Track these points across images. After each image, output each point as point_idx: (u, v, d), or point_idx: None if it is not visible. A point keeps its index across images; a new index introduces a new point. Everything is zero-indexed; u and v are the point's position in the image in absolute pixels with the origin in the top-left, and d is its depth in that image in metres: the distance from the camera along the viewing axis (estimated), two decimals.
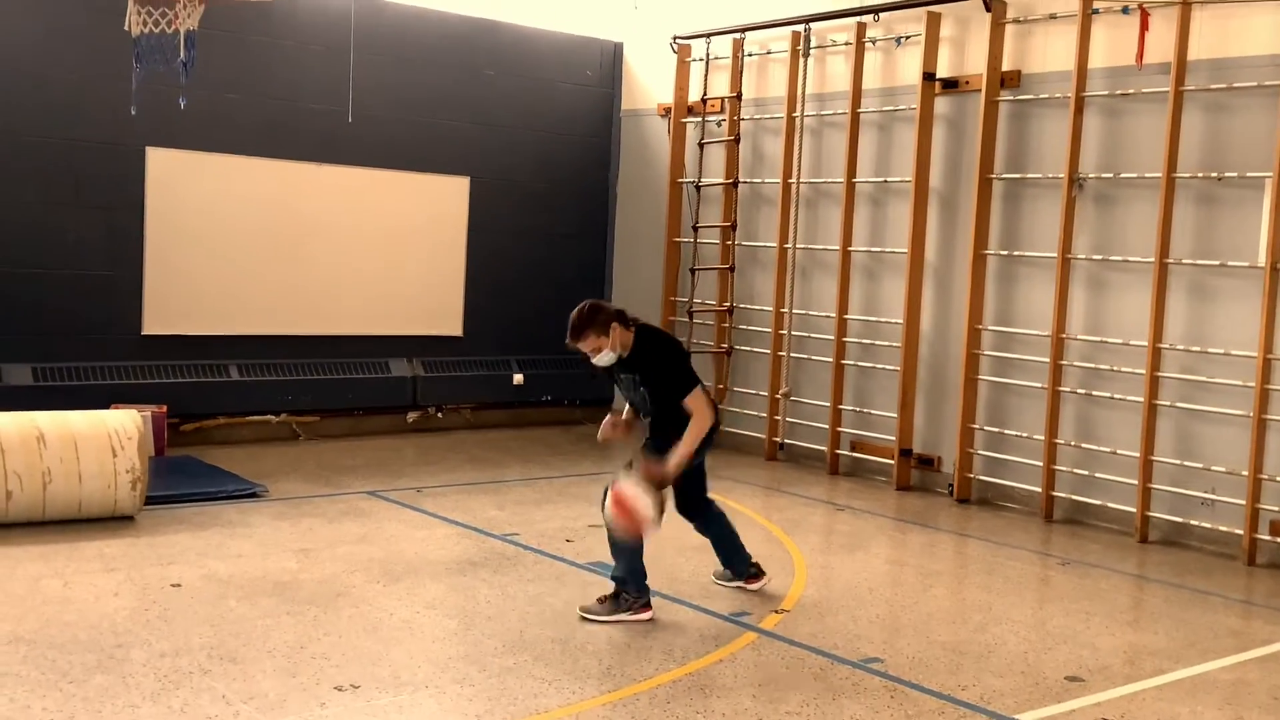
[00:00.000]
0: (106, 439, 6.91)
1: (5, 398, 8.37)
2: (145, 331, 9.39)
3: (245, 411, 9.83)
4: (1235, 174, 7.50)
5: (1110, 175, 8.12)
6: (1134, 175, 7.99)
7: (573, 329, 5.61)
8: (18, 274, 8.90)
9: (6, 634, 5.08)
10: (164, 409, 9.01)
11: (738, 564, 6.26)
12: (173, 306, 9.48)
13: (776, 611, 5.91)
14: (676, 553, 6.91)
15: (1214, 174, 7.59)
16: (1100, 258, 8.19)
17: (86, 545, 6.50)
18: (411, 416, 10.69)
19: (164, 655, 4.92)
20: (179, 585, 5.87)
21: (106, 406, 8.09)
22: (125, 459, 6.90)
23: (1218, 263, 7.59)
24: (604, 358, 5.63)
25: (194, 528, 6.98)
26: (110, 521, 6.96)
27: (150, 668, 4.78)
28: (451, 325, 10.96)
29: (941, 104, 9.15)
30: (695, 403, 5.62)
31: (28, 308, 8.93)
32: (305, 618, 5.48)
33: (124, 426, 7.02)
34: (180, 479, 8.05)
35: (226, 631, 5.24)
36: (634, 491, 5.40)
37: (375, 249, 10.43)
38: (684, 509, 6.06)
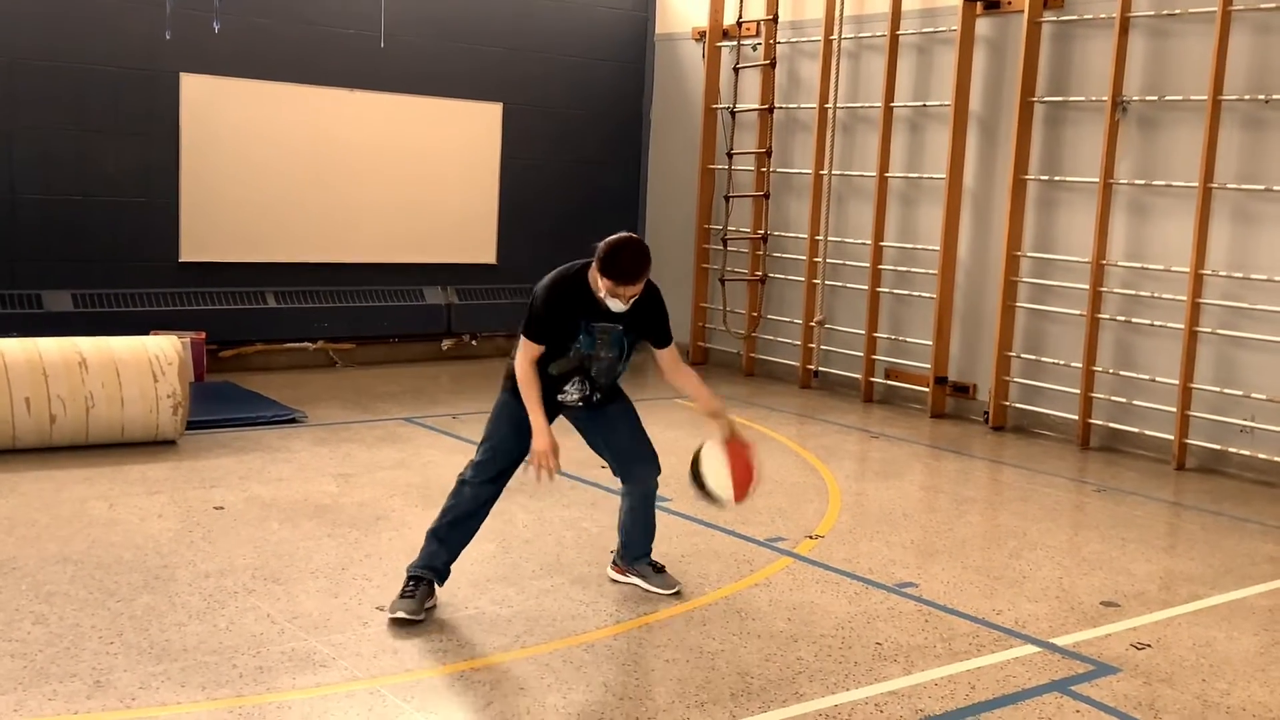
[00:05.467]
0: (147, 364, 6.98)
1: (46, 324, 8.47)
2: (182, 258, 9.44)
3: (282, 338, 9.90)
4: None
5: (1155, 98, 7.96)
6: (1179, 98, 7.83)
7: (645, 264, 4.52)
8: (57, 201, 8.95)
9: (54, 554, 5.18)
10: (203, 335, 9.10)
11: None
12: (209, 233, 9.53)
13: (811, 537, 5.94)
14: None
15: (1261, 96, 7.43)
16: (1143, 182, 8.06)
17: (130, 468, 6.61)
18: (446, 344, 10.74)
19: (209, 575, 5.01)
20: (222, 508, 5.97)
21: (146, 333, 8.16)
22: (166, 384, 6.98)
23: (1263, 187, 7.45)
24: (621, 305, 4.59)
25: (235, 452, 7.07)
26: (152, 445, 7.06)
27: (195, 587, 4.87)
28: (485, 253, 10.95)
29: (983, 25, 8.98)
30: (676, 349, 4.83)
31: (67, 235, 8.99)
32: (346, 540, 5.56)
33: (164, 352, 7.09)
34: (220, 404, 8.14)
35: (269, 553, 5.33)
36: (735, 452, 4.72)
37: (408, 176, 10.40)
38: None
